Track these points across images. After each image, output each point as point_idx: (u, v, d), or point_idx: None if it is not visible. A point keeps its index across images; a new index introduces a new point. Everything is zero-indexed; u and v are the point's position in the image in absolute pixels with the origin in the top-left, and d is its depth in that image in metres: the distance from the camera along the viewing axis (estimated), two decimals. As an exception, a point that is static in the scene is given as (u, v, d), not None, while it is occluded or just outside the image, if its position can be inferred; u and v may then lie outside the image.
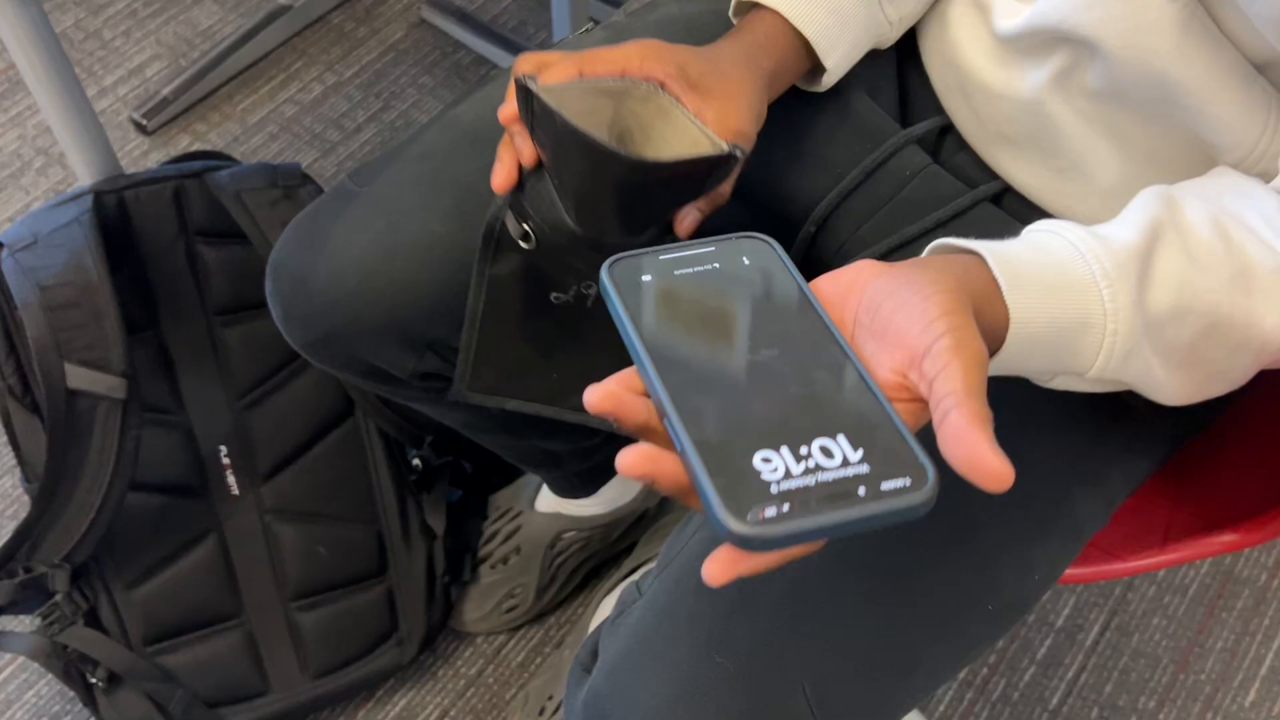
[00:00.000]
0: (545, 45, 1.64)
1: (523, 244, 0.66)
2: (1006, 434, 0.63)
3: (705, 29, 0.74)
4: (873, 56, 0.74)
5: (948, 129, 0.74)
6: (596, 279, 0.60)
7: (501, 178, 0.64)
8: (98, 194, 1.01)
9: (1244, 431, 0.76)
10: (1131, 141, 0.65)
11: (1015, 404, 0.64)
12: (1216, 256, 0.53)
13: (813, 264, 0.76)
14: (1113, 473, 0.66)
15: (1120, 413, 0.67)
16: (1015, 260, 0.50)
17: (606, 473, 1.11)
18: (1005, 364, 0.50)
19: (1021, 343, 0.49)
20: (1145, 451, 0.68)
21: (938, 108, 0.74)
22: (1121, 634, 1.21)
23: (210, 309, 1.08)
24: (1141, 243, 0.52)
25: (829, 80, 0.70)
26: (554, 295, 0.68)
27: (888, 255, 0.70)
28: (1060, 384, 0.55)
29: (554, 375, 0.73)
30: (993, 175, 0.71)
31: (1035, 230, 0.54)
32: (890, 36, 0.72)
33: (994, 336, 0.48)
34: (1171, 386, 0.55)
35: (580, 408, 0.68)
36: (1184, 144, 0.63)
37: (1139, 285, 0.51)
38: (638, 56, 0.61)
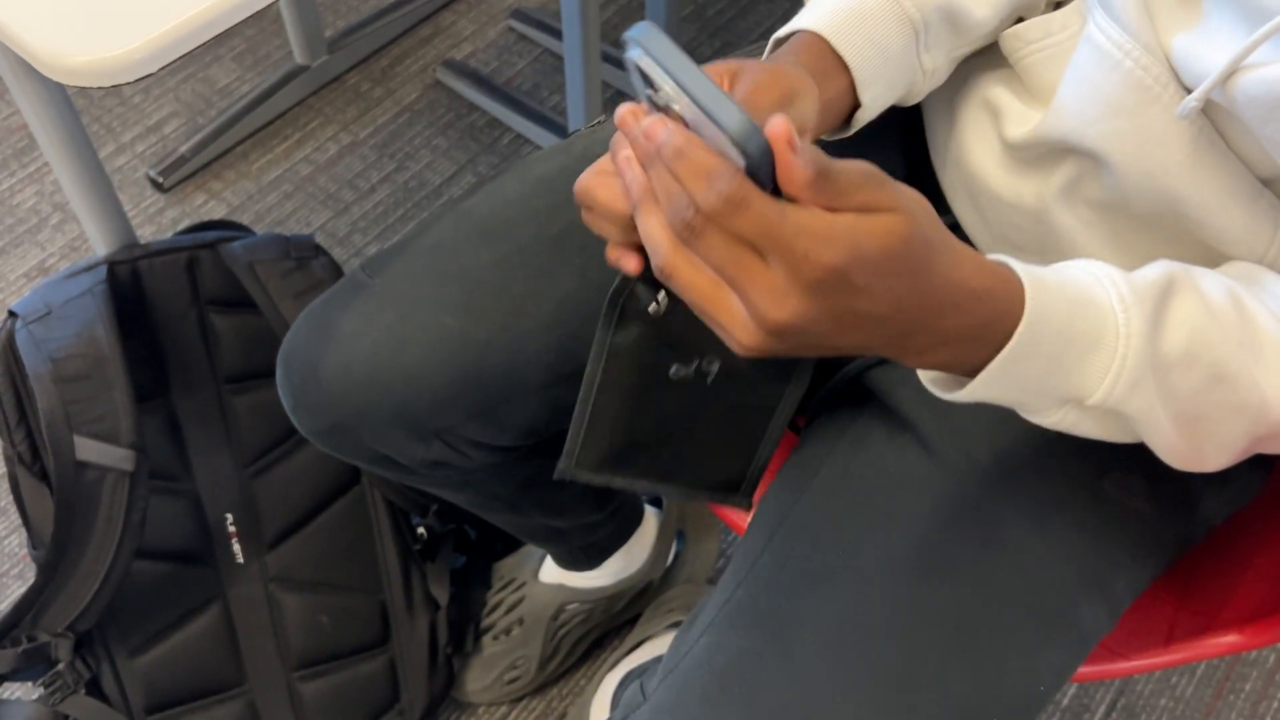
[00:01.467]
0: (558, 109, 1.66)
1: (650, 311, 0.62)
2: (1014, 544, 0.64)
3: None
4: (882, 152, 0.75)
5: (954, 227, 0.75)
6: (721, 352, 0.59)
7: (632, 262, 0.55)
8: (112, 264, 1.03)
9: (1249, 534, 0.76)
10: (1136, 250, 0.65)
11: (1024, 511, 0.65)
12: (1230, 318, 0.54)
13: (831, 363, 0.75)
14: (1118, 580, 0.66)
15: (1127, 519, 0.67)
16: (1040, 271, 0.50)
17: (611, 546, 1.11)
18: (1005, 367, 0.49)
19: (1029, 341, 0.48)
20: (1151, 557, 0.68)
21: (944, 207, 0.75)
22: (1128, 715, 1.20)
23: (220, 377, 1.09)
24: (1161, 282, 0.52)
25: (862, 118, 0.65)
26: (674, 369, 0.64)
27: (896, 365, 0.71)
28: (1057, 419, 0.53)
29: (665, 454, 0.68)
30: None
31: (1059, 264, 0.54)
32: (920, 88, 0.68)
33: (1003, 330, 0.48)
34: (1171, 437, 0.54)
35: (694, 484, 0.67)
36: (1190, 253, 0.63)
37: (1154, 319, 0.51)
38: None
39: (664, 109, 0.46)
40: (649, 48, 0.44)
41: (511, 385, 0.74)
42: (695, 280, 0.46)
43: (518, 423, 0.77)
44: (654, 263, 0.47)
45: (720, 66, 0.57)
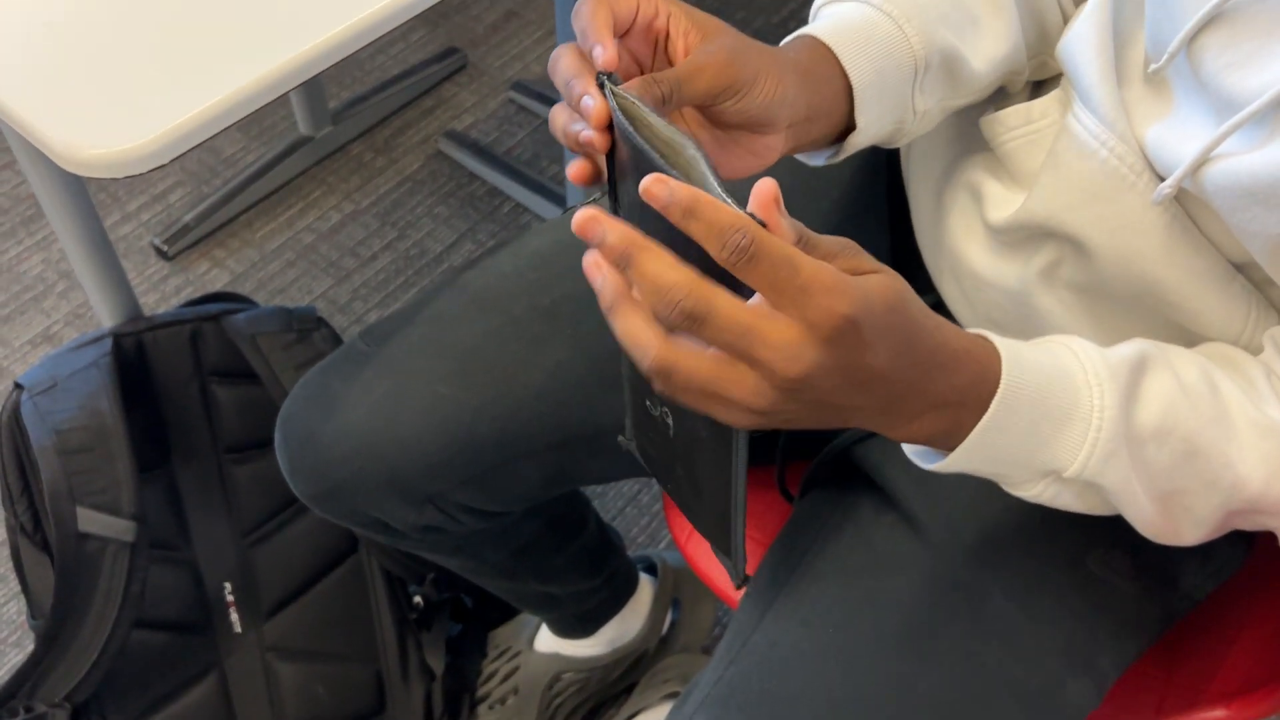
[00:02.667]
0: (557, 178, 1.69)
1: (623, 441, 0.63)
2: (1001, 623, 0.65)
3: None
4: (868, 233, 0.77)
5: (939, 305, 0.76)
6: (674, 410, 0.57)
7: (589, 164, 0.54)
8: (117, 337, 1.04)
9: (1233, 609, 0.77)
10: (1117, 332, 0.67)
11: (1010, 590, 0.66)
12: (1203, 396, 0.55)
13: (814, 442, 0.77)
14: (1104, 657, 0.67)
15: (1111, 596, 0.68)
16: (1017, 344, 0.53)
17: (606, 613, 1.12)
18: (984, 437, 0.50)
19: (1006, 412, 0.50)
20: (1136, 633, 0.69)
21: (929, 285, 0.77)
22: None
23: (221, 447, 1.10)
24: (1134, 358, 0.55)
25: (856, 142, 0.63)
26: (647, 403, 0.61)
27: (884, 440, 0.72)
28: (1037, 492, 0.55)
29: (683, 483, 0.64)
30: None
31: (1038, 339, 0.56)
32: (908, 129, 0.67)
33: (983, 397, 0.50)
34: (1148, 511, 0.56)
35: (702, 529, 0.63)
36: (1168, 336, 0.65)
37: (1127, 393, 0.53)
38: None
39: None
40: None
41: (503, 452, 0.76)
42: (699, 366, 0.44)
43: (509, 489, 0.79)
44: (643, 366, 0.45)
45: (691, 19, 0.55)
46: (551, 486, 0.82)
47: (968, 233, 0.71)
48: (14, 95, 0.65)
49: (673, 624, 1.21)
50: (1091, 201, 0.61)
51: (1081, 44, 0.62)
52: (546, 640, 1.15)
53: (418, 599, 1.12)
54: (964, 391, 0.50)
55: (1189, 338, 0.65)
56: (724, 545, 0.58)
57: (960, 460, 0.52)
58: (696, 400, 0.46)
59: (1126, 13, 0.62)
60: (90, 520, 0.95)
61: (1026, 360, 0.52)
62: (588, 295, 0.66)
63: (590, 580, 1.05)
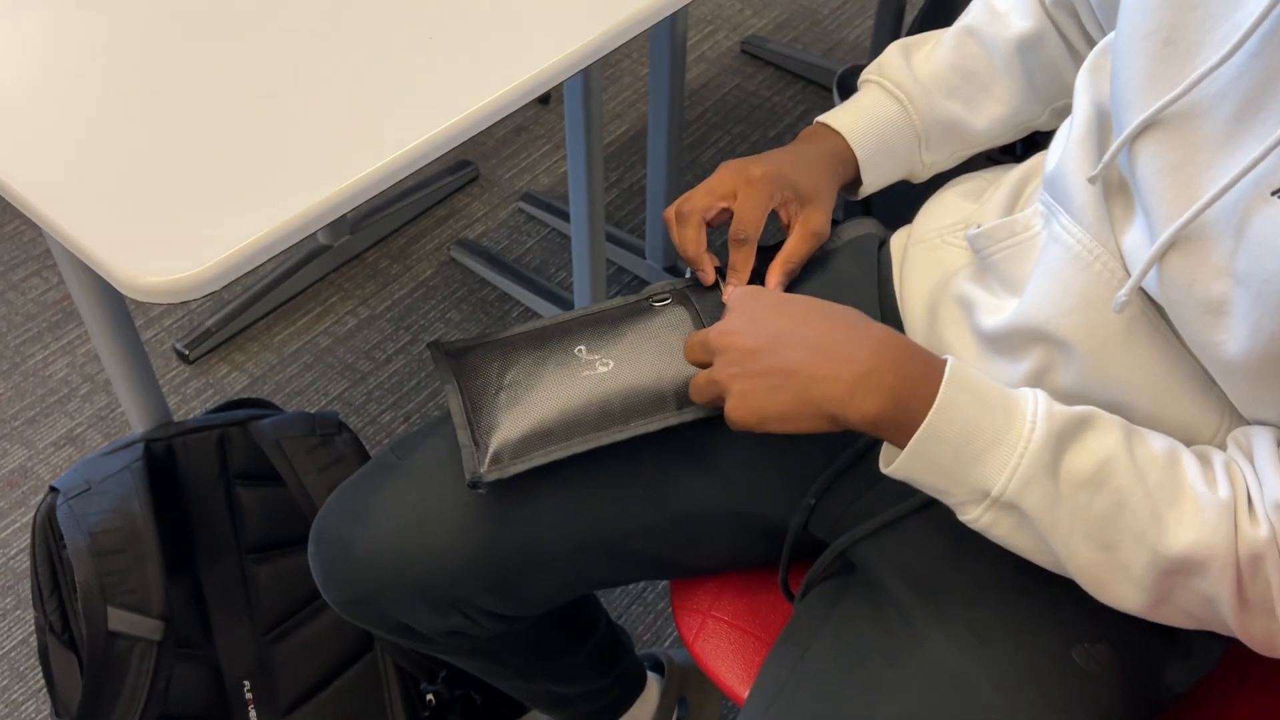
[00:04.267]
0: (564, 284, 1.76)
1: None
2: (991, 713, 0.68)
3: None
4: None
5: None
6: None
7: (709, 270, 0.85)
8: (148, 442, 1.09)
9: (1215, 700, 0.80)
10: None
11: (998, 683, 0.69)
12: (1156, 463, 0.62)
13: (809, 535, 0.82)
14: None
15: (1094, 689, 0.71)
16: (970, 373, 0.64)
17: (614, 712, 1.14)
18: (920, 447, 0.63)
19: (939, 424, 0.62)
20: None
21: None
22: None
23: (244, 547, 1.14)
24: (1082, 414, 0.63)
25: (865, 191, 0.87)
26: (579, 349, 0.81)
27: (879, 532, 0.77)
28: (975, 516, 0.64)
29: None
30: None
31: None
32: (920, 175, 0.89)
33: (914, 417, 0.63)
34: (1085, 558, 0.63)
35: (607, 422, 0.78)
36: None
37: (1061, 438, 0.62)
38: (760, 194, 0.80)
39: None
40: None
41: (525, 559, 0.80)
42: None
43: (530, 594, 0.83)
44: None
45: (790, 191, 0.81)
46: (569, 590, 0.86)
47: (960, 341, 0.76)
48: (75, 222, 0.71)
49: (679, 721, 1.23)
50: (1084, 308, 0.66)
51: (1074, 165, 0.67)
52: (556, 738, 1.17)
53: (430, 696, 1.15)
54: (914, 387, 0.63)
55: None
56: (483, 436, 0.76)
57: (904, 467, 0.64)
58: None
59: (1108, 138, 0.68)
60: (120, 620, 0.99)
61: (971, 384, 0.63)
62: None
63: (601, 680, 1.08)
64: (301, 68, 0.81)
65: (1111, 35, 0.68)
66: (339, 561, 0.82)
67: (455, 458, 0.80)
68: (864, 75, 0.87)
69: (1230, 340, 0.59)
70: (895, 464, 0.64)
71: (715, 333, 0.71)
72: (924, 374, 0.64)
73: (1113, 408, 0.68)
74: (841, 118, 0.85)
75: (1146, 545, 0.61)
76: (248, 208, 0.71)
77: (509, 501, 0.80)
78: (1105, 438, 0.62)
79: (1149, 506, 0.61)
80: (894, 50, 0.87)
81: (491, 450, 0.75)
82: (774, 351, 0.67)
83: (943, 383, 0.62)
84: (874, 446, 0.79)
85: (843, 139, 0.84)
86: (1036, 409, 0.62)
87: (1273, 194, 0.55)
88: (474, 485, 0.74)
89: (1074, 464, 0.62)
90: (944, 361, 0.64)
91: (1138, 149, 0.62)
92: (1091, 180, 0.66)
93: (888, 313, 0.83)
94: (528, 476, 0.80)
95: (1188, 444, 0.67)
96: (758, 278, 0.82)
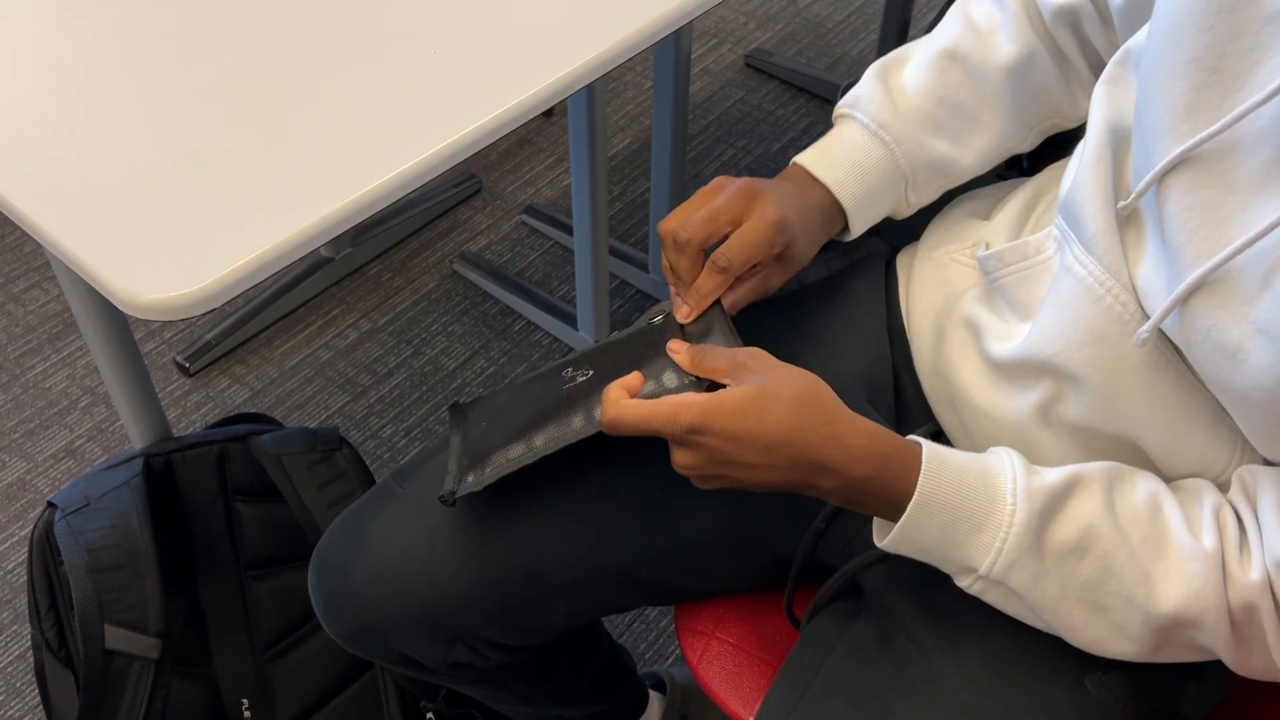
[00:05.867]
0: (567, 298, 1.75)
1: None
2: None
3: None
4: (873, 362, 0.81)
5: (939, 434, 0.80)
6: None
7: (683, 310, 0.77)
8: (148, 457, 1.08)
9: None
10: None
11: (1014, 710, 0.68)
12: (1139, 520, 0.62)
13: (816, 559, 0.81)
14: None
15: (1110, 717, 0.70)
16: (946, 455, 0.64)
17: (617, 734, 1.13)
18: (905, 533, 0.63)
19: (919, 516, 0.62)
20: None
21: (929, 414, 0.81)
22: None
23: (243, 563, 1.13)
24: (1060, 484, 0.63)
25: (852, 233, 0.81)
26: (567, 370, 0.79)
27: (889, 556, 0.75)
28: (967, 584, 0.65)
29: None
30: None
31: (990, 450, 0.66)
32: (903, 213, 0.84)
33: (897, 502, 0.63)
34: (1076, 621, 0.63)
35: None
36: (1157, 469, 0.69)
37: (1042, 514, 0.62)
38: (765, 237, 0.74)
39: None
40: None
41: (530, 589, 0.79)
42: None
43: (534, 624, 0.82)
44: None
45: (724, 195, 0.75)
46: (574, 618, 0.85)
47: (968, 367, 0.75)
48: (76, 240, 0.70)
49: (682, 742, 1.22)
50: (1095, 342, 0.65)
51: (1087, 193, 0.65)
52: (557, 758, 1.16)
53: (430, 715, 1.14)
54: (888, 483, 0.63)
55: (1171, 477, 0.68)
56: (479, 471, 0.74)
57: (893, 547, 0.65)
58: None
59: (1122, 161, 0.67)
60: (117, 638, 0.97)
61: (949, 471, 0.63)
62: (610, 439, 0.74)
63: (603, 703, 1.07)
64: (306, 82, 0.80)
65: (1131, 45, 0.67)
66: (340, 592, 0.80)
67: None
68: (841, 107, 0.81)
69: (1248, 387, 0.57)
70: (883, 544, 0.65)
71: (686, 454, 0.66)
72: (902, 471, 0.64)
73: (1124, 440, 0.67)
74: (828, 171, 0.78)
75: (1137, 606, 0.61)
76: (249, 223, 0.71)
77: (514, 531, 0.78)
78: (1086, 502, 0.63)
79: (1135, 566, 0.61)
80: (872, 78, 0.81)
81: (467, 468, 0.75)
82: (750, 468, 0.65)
83: (920, 475, 0.63)
84: None
85: (830, 193, 0.78)
86: (1016, 487, 0.63)
87: None
88: (445, 501, 0.74)
89: (1057, 535, 0.62)
90: (919, 449, 0.64)
91: (1169, 184, 0.60)
92: (1122, 210, 0.64)
93: (895, 332, 0.82)
94: (532, 504, 0.78)
95: (1201, 474, 0.66)
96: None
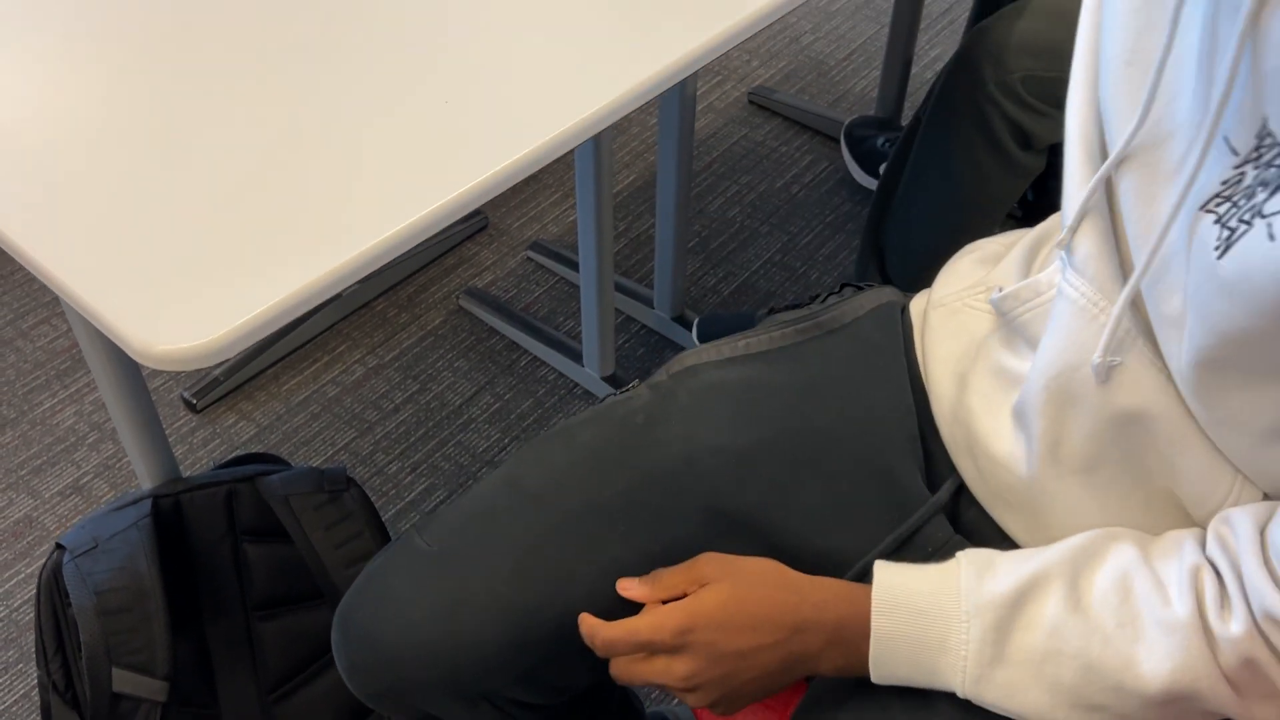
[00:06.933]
0: (572, 333, 1.75)
1: None
2: None
3: (741, 396, 0.82)
4: (902, 414, 0.80)
5: (961, 487, 0.80)
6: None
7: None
8: (156, 498, 1.09)
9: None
10: (1122, 513, 0.70)
11: None
12: (1110, 606, 0.63)
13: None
14: None
15: None
16: (896, 590, 0.67)
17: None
18: (877, 670, 0.67)
19: (884, 654, 0.66)
20: None
21: (950, 464, 0.80)
22: None
23: (250, 604, 1.13)
24: (1012, 594, 0.64)
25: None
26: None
27: None
28: (959, 695, 0.67)
29: None
30: (1003, 535, 0.77)
31: (958, 556, 0.68)
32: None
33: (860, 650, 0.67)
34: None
35: None
36: (1163, 511, 0.68)
37: (999, 626, 0.64)
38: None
39: None
40: None
41: (558, 649, 0.77)
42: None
43: (560, 683, 0.81)
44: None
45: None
46: (601, 673, 0.84)
47: (988, 414, 0.75)
48: (90, 288, 0.71)
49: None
50: (1090, 362, 0.65)
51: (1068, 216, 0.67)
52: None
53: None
54: (853, 631, 0.68)
55: (1182, 510, 0.68)
56: None
57: (880, 683, 0.69)
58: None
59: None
60: (125, 680, 0.97)
61: (902, 602, 0.66)
62: (638, 493, 0.78)
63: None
64: (319, 131, 0.81)
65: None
66: (365, 652, 0.79)
67: (482, 542, 0.78)
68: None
69: (1179, 353, 0.61)
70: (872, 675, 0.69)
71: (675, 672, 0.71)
72: (868, 612, 0.67)
73: (1130, 459, 0.67)
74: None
75: (1129, 693, 0.62)
76: (263, 273, 0.71)
77: (543, 590, 0.77)
78: (1046, 603, 0.64)
79: (1115, 654, 0.62)
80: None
81: None
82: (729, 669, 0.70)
83: (872, 615, 0.67)
84: (912, 536, 0.78)
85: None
86: (967, 605, 0.65)
87: (1200, 208, 0.57)
88: None
89: (1024, 643, 0.64)
90: (867, 590, 0.67)
91: (1116, 182, 0.63)
92: (1063, 236, 0.67)
93: (914, 380, 0.82)
94: (561, 562, 0.78)
95: (1204, 500, 0.66)
96: None
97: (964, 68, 1.25)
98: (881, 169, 1.65)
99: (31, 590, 1.45)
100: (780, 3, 0.93)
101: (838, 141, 2.03)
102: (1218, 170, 0.57)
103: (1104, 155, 0.66)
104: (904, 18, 1.87)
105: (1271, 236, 0.52)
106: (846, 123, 2.02)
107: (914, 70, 2.12)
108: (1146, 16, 0.61)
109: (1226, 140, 0.56)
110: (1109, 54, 0.63)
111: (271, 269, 0.71)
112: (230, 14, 0.91)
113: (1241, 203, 0.55)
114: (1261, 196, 0.54)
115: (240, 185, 0.77)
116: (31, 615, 1.43)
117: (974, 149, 1.24)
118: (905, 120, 2.04)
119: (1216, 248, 0.55)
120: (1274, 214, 0.52)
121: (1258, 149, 0.54)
